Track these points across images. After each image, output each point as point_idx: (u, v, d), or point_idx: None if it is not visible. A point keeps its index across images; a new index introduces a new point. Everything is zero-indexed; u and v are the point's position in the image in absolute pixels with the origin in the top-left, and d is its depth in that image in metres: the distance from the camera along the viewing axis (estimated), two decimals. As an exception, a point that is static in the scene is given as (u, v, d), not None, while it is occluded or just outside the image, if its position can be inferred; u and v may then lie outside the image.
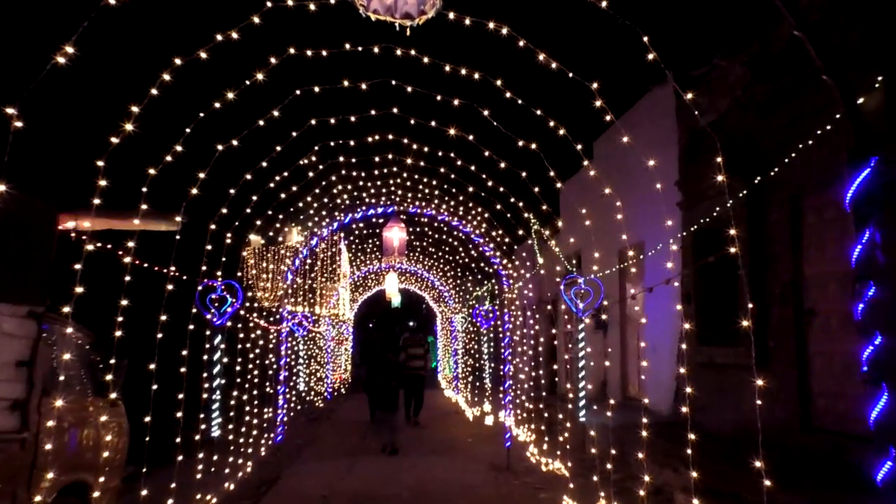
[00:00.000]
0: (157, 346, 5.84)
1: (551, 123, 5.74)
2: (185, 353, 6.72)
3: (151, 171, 5.21)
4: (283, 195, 8.54)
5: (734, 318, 8.98)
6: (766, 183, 7.51)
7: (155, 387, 5.71)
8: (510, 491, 8.31)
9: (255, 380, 9.25)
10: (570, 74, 4.85)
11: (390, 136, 7.11)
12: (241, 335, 9.16)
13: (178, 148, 5.37)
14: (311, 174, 8.13)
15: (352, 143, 7.36)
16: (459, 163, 7.54)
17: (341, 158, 7.88)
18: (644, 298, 11.71)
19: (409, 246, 14.86)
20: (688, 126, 9.96)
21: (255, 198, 7.92)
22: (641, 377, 11.93)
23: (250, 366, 9.06)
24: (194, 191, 6.05)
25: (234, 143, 6.20)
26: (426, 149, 7.20)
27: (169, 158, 5.33)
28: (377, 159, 8.04)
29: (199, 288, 8.19)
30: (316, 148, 7.32)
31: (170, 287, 6.25)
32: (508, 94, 5.44)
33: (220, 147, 6.04)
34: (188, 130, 5.41)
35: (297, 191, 8.63)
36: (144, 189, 5.30)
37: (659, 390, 10.85)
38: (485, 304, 15.04)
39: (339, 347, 23.09)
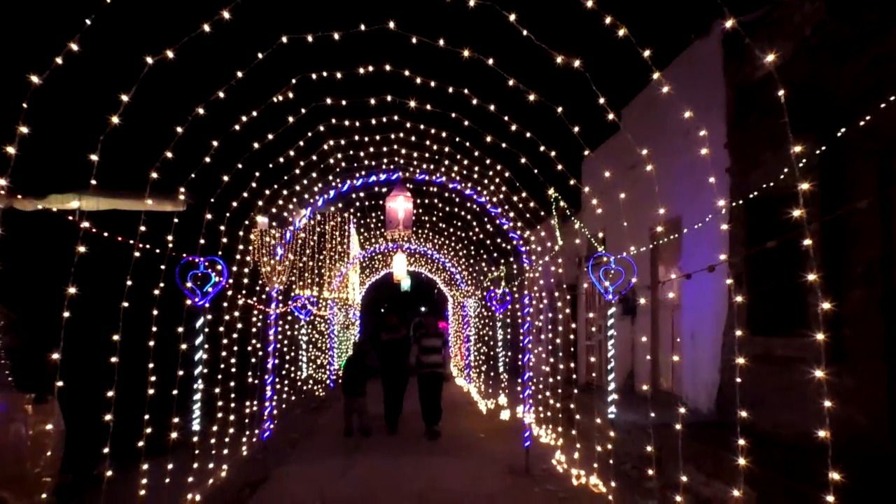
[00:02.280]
0: (120, 330, 4.94)
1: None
2: (155, 335, 5.69)
3: (169, 155, 4.89)
4: (284, 174, 7.53)
5: (798, 302, 7.74)
6: (844, 140, 6.21)
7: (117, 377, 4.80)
8: (530, 501, 7.12)
9: (240, 369, 8.09)
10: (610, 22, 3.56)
11: (389, 98, 5.87)
12: (227, 317, 7.98)
13: (179, 129, 5.06)
14: (304, 139, 6.93)
15: (347, 102, 6.13)
16: (468, 124, 6.27)
17: (347, 124, 6.73)
18: (681, 280, 10.42)
19: (417, 222, 13.60)
20: (738, 81, 8.61)
21: (257, 174, 7.05)
22: (676, 369, 10.67)
23: (234, 351, 7.88)
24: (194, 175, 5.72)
25: (220, 94, 5.15)
26: (430, 106, 5.92)
27: (179, 131, 5.03)
28: (377, 121, 6.78)
29: (180, 264, 7.26)
30: (305, 110, 6.10)
31: (137, 256, 5.36)
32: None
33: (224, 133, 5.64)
34: (201, 111, 5.06)
35: (297, 163, 7.52)
36: (154, 174, 5.06)
37: (698, 385, 9.59)
38: (500, 286, 13.79)
39: (345, 332, 21.97)
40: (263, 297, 8.57)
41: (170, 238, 6.10)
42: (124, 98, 4.14)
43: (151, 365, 5.74)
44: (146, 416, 5.59)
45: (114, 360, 4.84)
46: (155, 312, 6.02)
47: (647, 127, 11.55)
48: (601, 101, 4.78)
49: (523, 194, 7.56)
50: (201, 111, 4.91)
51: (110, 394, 4.71)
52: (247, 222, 8.19)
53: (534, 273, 9.67)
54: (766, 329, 7.78)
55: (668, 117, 11.04)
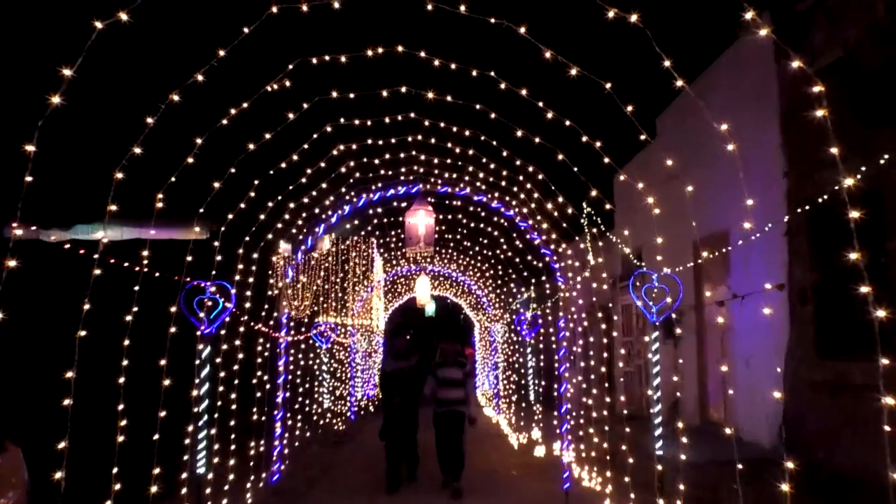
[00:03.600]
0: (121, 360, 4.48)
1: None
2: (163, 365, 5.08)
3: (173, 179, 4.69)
4: (298, 190, 6.96)
5: (880, 321, 6.77)
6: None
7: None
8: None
9: (244, 404, 7.32)
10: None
11: (403, 89, 5.16)
12: (226, 346, 7.25)
13: (190, 159, 4.76)
14: (313, 142, 6.25)
15: (356, 95, 5.43)
16: (494, 116, 5.54)
17: (358, 123, 6.06)
18: (731, 299, 9.48)
19: (439, 241, 12.82)
20: (794, 75, 7.75)
21: (271, 202, 6.63)
22: (729, 399, 9.67)
23: (235, 385, 7.11)
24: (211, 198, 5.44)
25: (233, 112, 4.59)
26: (451, 98, 5.18)
27: (190, 160, 4.76)
28: (391, 119, 6.05)
29: (185, 289, 6.70)
30: (308, 105, 5.45)
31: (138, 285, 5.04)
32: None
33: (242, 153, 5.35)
34: (199, 141, 4.72)
35: (308, 174, 6.92)
36: (159, 196, 4.82)
37: (756, 417, 8.58)
38: (528, 309, 12.91)
39: (367, 360, 21.17)
40: (271, 322, 7.83)
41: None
42: (149, 120, 3.93)
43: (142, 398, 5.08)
44: (139, 459, 4.89)
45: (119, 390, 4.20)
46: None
47: (686, 133, 10.71)
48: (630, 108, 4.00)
49: (559, 199, 6.73)
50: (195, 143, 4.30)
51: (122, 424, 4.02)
52: (262, 244, 7.55)
53: (569, 293, 8.80)
54: (839, 353, 6.81)
55: (709, 123, 10.21)
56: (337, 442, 13.41)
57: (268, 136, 5.15)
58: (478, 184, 7.40)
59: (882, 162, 5.74)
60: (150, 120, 3.72)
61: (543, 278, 10.63)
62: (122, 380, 4.23)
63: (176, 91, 3.72)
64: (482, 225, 10.28)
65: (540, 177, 6.41)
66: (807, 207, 6.55)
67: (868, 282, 6.49)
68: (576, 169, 5.53)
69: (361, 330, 20.18)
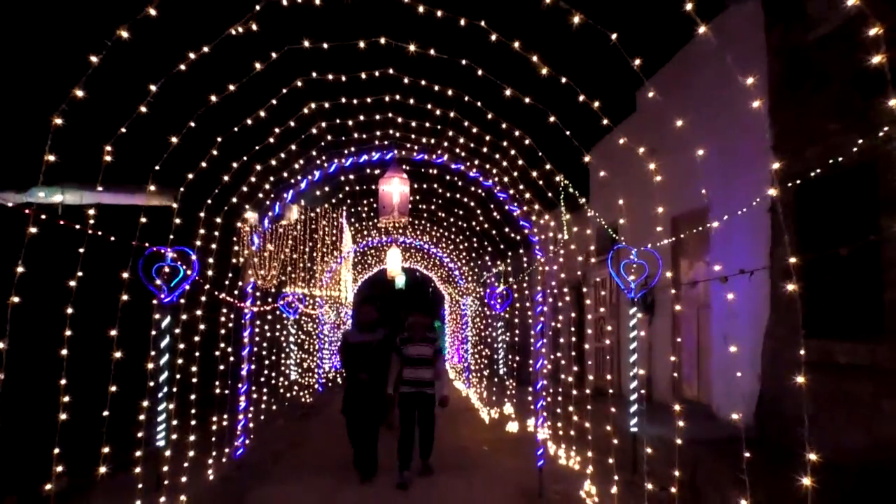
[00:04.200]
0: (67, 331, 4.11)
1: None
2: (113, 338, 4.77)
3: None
4: (272, 160, 6.55)
5: (869, 299, 6.66)
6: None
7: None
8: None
9: (207, 377, 6.96)
10: None
11: (382, 40, 4.74)
12: (196, 315, 6.89)
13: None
14: (281, 98, 5.81)
15: (329, 45, 4.99)
16: (482, 73, 5.17)
17: (331, 78, 5.64)
18: (709, 275, 9.33)
19: (413, 212, 12.46)
20: (784, 45, 7.51)
21: (236, 162, 6.15)
22: (704, 376, 9.58)
23: (197, 357, 6.74)
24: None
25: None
26: (435, 52, 4.80)
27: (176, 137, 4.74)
28: (368, 75, 5.63)
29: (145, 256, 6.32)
30: (277, 54, 5.01)
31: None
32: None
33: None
34: (153, 88, 4.26)
35: (275, 135, 6.50)
36: (108, 148, 4.29)
37: (732, 395, 8.48)
38: (501, 283, 12.68)
39: (335, 332, 20.84)
40: (235, 292, 7.42)
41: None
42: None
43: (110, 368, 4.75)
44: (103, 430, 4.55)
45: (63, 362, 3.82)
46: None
47: (666, 109, 10.47)
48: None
49: (546, 166, 6.39)
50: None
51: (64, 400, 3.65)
52: (226, 208, 7.11)
53: (547, 266, 8.54)
54: (825, 331, 6.68)
55: (694, 95, 9.98)
56: (305, 415, 13.11)
57: (232, 87, 4.71)
58: (457, 150, 7.04)
59: (881, 135, 5.54)
60: (94, 59, 3.26)
61: (521, 251, 10.36)
62: (64, 351, 3.84)
63: (124, 26, 3.28)
64: (458, 195, 9.93)
65: (527, 142, 6.06)
66: (788, 185, 6.34)
67: (856, 260, 6.33)
68: (568, 133, 5.21)
69: (330, 301, 19.82)
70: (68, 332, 3.96)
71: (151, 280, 6.81)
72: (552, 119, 5.04)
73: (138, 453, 5.20)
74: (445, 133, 6.55)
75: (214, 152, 5.43)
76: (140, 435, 5.57)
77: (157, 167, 4.87)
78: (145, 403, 5.32)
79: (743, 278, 8.22)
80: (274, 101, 5.54)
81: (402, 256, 17.83)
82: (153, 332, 6.56)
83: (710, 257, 9.34)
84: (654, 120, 10.89)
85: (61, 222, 5.08)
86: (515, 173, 7.12)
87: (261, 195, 6.88)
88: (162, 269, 6.96)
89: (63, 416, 3.66)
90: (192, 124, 4.73)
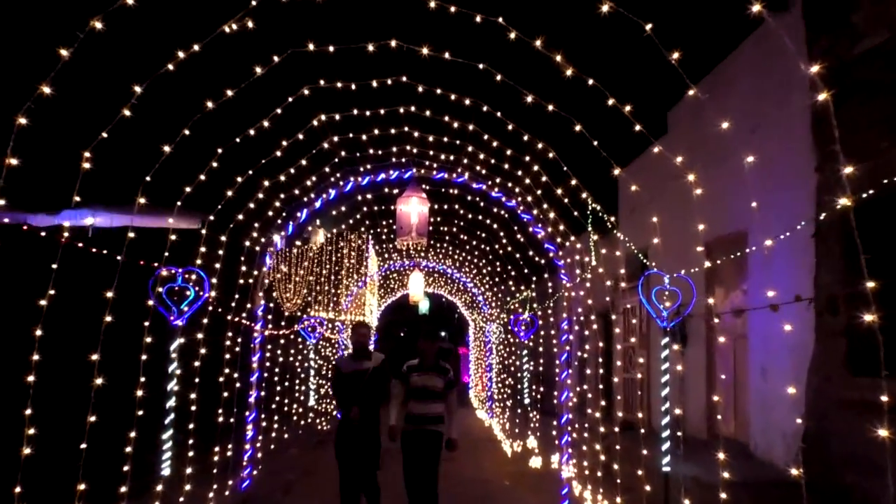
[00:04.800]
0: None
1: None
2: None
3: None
4: (282, 175, 6.33)
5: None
6: None
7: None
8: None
9: (209, 405, 6.61)
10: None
11: (393, 43, 4.45)
12: (198, 338, 6.59)
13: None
14: (290, 109, 5.52)
15: (335, 48, 4.71)
16: (500, 78, 4.83)
17: (341, 86, 5.37)
18: (747, 303, 8.79)
19: (434, 234, 12.10)
20: (829, 59, 7.05)
21: (241, 176, 5.92)
22: (741, 411, 8.98)
23: (197, 384, 6.40)
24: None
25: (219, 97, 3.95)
26: (450, 55, 4.47)
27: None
28: (379, 83, 5.32)
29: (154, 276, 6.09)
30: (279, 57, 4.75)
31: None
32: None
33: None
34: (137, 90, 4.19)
35: (297, 166, 6.31)
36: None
37: (772, 433, 7.89)
38: (526, 310, 12.22)
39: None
40: (243, 314, 7.10)
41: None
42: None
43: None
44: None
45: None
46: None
47: (700, 129, 10.02)
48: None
49: (573, 181, 5.95)
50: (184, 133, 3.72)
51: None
52: (231, 226, 6.84)
53: (573, 292, 8.07)
54: (873, 369, 6.11)
55: (728, 115, 9.53)
56: (320, 442, 12.70)
57: (230, 92, 4.38)
58: (477, 167, 6.66)
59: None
60: (138, 89, 3.03)
61: (546, 275, 9.91)
62: (31, 378, 3.52)
63: (96, 19, 3.03)
64: (480, 217, 9.53)
65: (550, 155, 5.66)
66: (845, 202, 5.84)
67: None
68: (595, 143, 4.80)
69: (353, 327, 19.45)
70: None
71: (162, 302, 6.56)
72: (578, 128, 4.62)
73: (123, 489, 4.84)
74: (465, 148, 6.18)
75: (214, 164, 5.15)
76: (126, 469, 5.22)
77: (186, 189, 4.75)
78: (133, 434, 4.97)
79: (781, 307, 7.70)
80: (279, 111, 5.24)
81: (425, 281, 17.46)
82: (144, 357, 6.19)
83: (747, 284, 8.81)
84: (687, 141, 10.47)
85: (93, 249, 5.03)
86: (539, 191, 6.72)
87: (271, 214, 6.57)
88: (173, 291, 6.72)
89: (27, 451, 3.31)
90: (187, 132, 4.44)
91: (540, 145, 5.52)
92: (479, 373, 21.31)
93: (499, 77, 4.23)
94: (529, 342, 12.39)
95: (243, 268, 6.56)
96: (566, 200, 6.87)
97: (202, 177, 5.57)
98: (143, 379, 5.18)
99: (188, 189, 5.36)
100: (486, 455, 11.81)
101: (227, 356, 6.69)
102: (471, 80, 4.40)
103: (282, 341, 8.86)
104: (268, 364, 8.45)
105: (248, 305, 6.79)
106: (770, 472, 7.41)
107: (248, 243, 6.50)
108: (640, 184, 7.91)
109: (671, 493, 6.85)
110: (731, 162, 9.15)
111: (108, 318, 5.07)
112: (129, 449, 4.85)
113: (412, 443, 6.20)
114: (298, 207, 6.98)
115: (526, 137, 5.26)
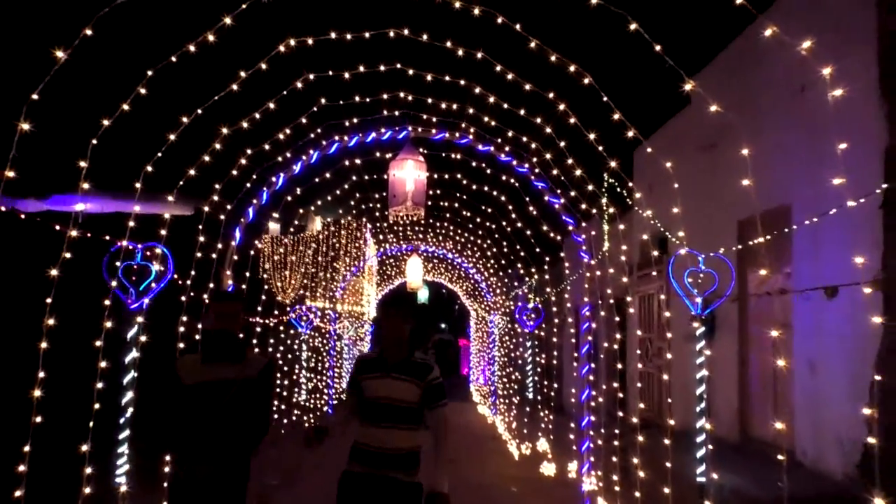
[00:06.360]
0: None
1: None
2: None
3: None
4: (265, 144, 5.39)
5: None
6: None
7: None
8: None
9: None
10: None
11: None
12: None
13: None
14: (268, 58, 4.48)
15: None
16: (501, 20, 3.79)
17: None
18: (789, 291, 7.71)
19: (432, 210, 11.00)
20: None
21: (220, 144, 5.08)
22: (782, 411, 7.90)
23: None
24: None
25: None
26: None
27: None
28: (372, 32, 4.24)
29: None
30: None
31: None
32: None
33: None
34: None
35: (282, 130, 5.33)
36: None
37: (824, 438, 6.81)
38: (533, 298, 11.16)
39: (354, 349, 19.51)
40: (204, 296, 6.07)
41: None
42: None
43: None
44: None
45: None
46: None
47: (731, 93, 8.90)
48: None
49: (591, 136, 4.83)
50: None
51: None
52: (242, 220, 5.94)
53: (595, 273, 6.96)
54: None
55: (764, 76, 8.44)
56: (308, 438, 11.68)
57: (211, 37, 3.44)
58: (485, 118, 5.54)
59: None
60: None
61: (562, 254, 8.83)
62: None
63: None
64: (486, 188, 8.38)
65: (562, 107, 4.50)
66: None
67: None
68: (606, 98, 3.66)
69: (348, 316, 18.49)
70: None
71: (119, 283, 5.69)
72: (587, 80, 3.55)
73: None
74: (471, 91, 4.99)
75: (185, 119, 4.26)
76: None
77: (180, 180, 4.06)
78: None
79: (842, 293, 6.63)
80: (264, 65, 4.20)
81: (423, 268, 16.39)
82: (99, 343, 5.34)
83: (793, 267, 7.71)
84: (721, 107, 9.38)
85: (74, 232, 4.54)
86: (548, 155, 5.64)
87: (234, 172, 5.49)
88: (131, 269, 5.85)
89: None
90: (151, 72, 3.52)
91: (550, 94, 4.38)
92: (482, 366, 20.31)
93: (499, 19, 3.16)
94: (538, 331, 11.33)
95: (201, 238, 5.48)
96: (579, 172, 5.84)
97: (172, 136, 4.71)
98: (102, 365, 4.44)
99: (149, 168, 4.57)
100: (490, 456, 10.80)
101: (182, 345, 5.64)
102: (473, 25, 3.27)
103: (257, 329, 7.78)
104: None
105: (211, 285, 5.72)
106: (827, 486, 6.35)
107: (206, 208, 5.44)
108: (661, 159, 6.89)
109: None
110: (770, 127, 8.05)
111: (49, 300, 4.46)
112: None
113: (360, 500, 3.77)
114: (273, 170, 5.90)
115: (553, 58, 4.08)
